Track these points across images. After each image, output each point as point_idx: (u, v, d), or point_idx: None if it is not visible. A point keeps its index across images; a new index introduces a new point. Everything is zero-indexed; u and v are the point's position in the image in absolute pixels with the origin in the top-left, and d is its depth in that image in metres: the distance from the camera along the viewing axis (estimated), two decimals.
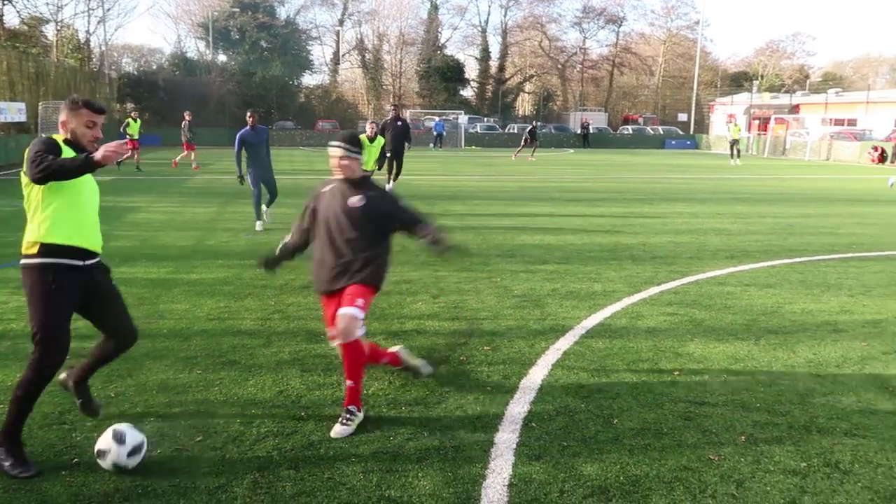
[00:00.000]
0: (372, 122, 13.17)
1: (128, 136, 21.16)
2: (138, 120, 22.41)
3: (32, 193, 3.33)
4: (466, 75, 61.28)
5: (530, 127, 33.85)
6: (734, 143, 30.33)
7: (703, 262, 8.56)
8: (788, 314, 6.27)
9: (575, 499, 3.15)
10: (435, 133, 41.15)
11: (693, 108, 54.73)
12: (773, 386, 4.55)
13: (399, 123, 15.28)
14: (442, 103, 53.52)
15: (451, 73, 57.03)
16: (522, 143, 32.17)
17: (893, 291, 7.19)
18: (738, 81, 64.27)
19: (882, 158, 33.60)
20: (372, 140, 12.69)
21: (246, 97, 46.02)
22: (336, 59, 59.64)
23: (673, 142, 47.86)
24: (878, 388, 4.57)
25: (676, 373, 4.74)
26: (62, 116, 3.44)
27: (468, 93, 62.84)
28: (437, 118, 44.65)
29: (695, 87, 54.12)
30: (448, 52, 61.19)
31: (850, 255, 9.30)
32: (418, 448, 3.59)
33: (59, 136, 3.42)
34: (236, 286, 6.91)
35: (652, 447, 3.66)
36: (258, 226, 10.57)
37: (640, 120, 57.67)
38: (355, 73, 61.43)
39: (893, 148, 33.58)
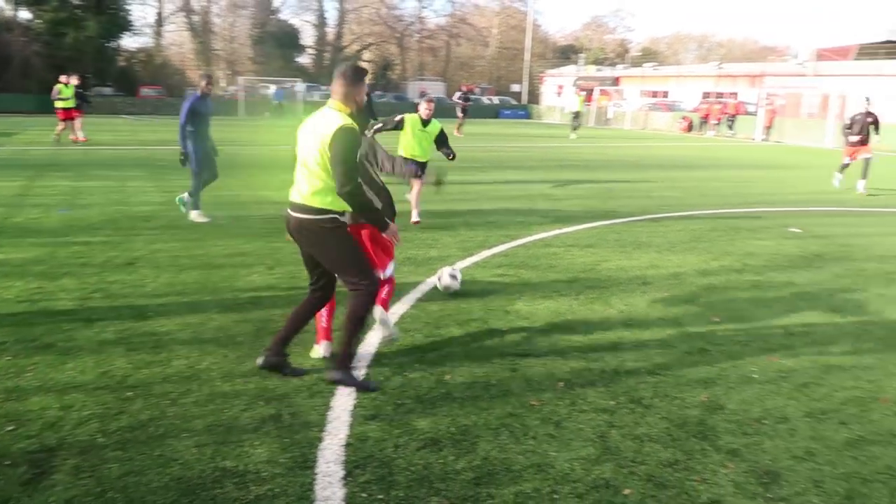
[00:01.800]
0: (430, 100, 8.88)
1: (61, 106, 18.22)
2: (70, 85, 18.40)
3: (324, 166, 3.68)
4: (303, 42, 59.61)
5: (462, 92, 28.80)
6: (577, 115, 28.69)
7: (531, 226, 9.06)
8: (605, 271, 6.85)
9: (408, 451, 3.31)
10: (275, 102, 39.73)
11: (526, 80, 56.98)
12: (588, 335, 4.98)
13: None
14: (278, 70, 51.72)
15: (287, 39, 55.26)
16: (461, 113, 27.42)
17: (693, 247, 8.05)
18: (567, 54, 67.62)
19: (690, 128, 36.98)
20: (426, 124, 8.74)
21: (56, 60, 41.68)
22: (160, 21, 55.61)
23: (507, 112, 49.60)
24: (677, 332, 5.14)
25: (504, 329, 5.05)
26: (348, 86, 3.73)
27: (305, 60, 61.23)
28: (273, 87, 43.10)
29: (527, 58, 56.26)
30: (283, 16, 59.11)
31: (659, 215, 10.24)
32: (254, 418, 3.59)
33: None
34: (50, 265, 6.40)
35: (481, 398, 3.90)
36: (196, 215, 8.61)
37: (478, 90, 59.20)
38: (182, 37, 57.75)
39: (699, 118, 37.03)
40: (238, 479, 3.03)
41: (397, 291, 5.84)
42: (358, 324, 3.91)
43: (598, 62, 64.30)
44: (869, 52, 45.44)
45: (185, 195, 8.65)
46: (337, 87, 3.77)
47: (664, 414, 3.81)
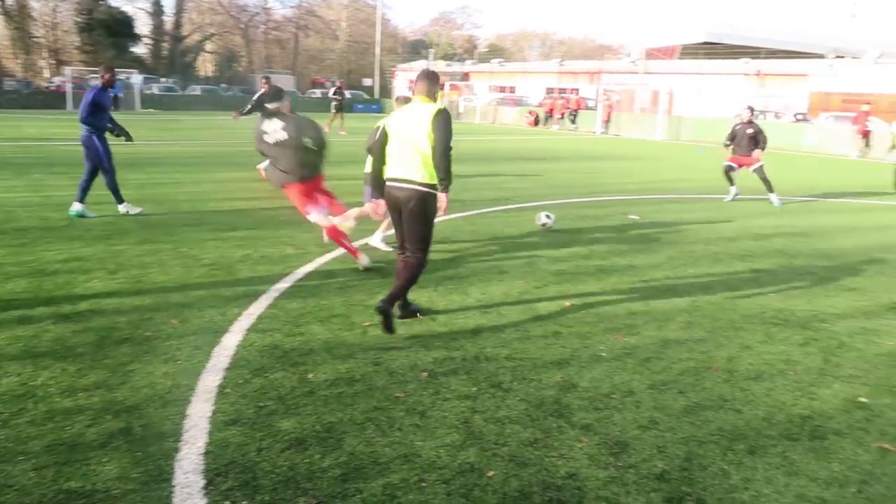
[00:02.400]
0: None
1: None
2: None
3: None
4: (137, 31, 55.89)
5: (335, 87, 26.91)
6: None
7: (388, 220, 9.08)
8: (462, 262, 7.01)
9: (272, 454, 3.22)
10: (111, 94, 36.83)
11: (377, 74, 56.94)
12: (449, 325, 5.09)
13: None
14: (110, 61, 48.13)
15: (119, 28, 51.54)
16: (334, 109, 25.70)
17: (544, 235, 8.43)
18: (417, 49, 68.31)
19: (536, 122, 38.64)
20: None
21: None
22: None
23: (360, 106, 49.34)
24: (532, 317, 5.37)
25: (367, 324, 5.04)
26: (431, 85, 5.01)
27: (141, 50, 57.50)
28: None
29: (378, 52, 56.22)
30: (114, 2, 55.05)
31: (511, 206, 10.63)
32: (101, 433, 3.34)
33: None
34: None
35: (345, 395, 3.88)
36: (124, 208, 8.72)
37: (328, 84, 58.35)
38: None
39: (545, 113, 38.79)
40: (85, 500, 2.81)
41: (254, 292, 5.67)
42: (413, 280, 5.04)
43: (447, 57, 65.53)
44: (690, 52, 49.68)
45: (78, 205, 8.44)
46: (422, 86, 5.00)
47: (523, 396, 3.97)
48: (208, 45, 64.63)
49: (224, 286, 5.82)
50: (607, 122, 34.37)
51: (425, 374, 4.20)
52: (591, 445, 3.44)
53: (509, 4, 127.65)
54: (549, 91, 48.09)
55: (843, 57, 39.07)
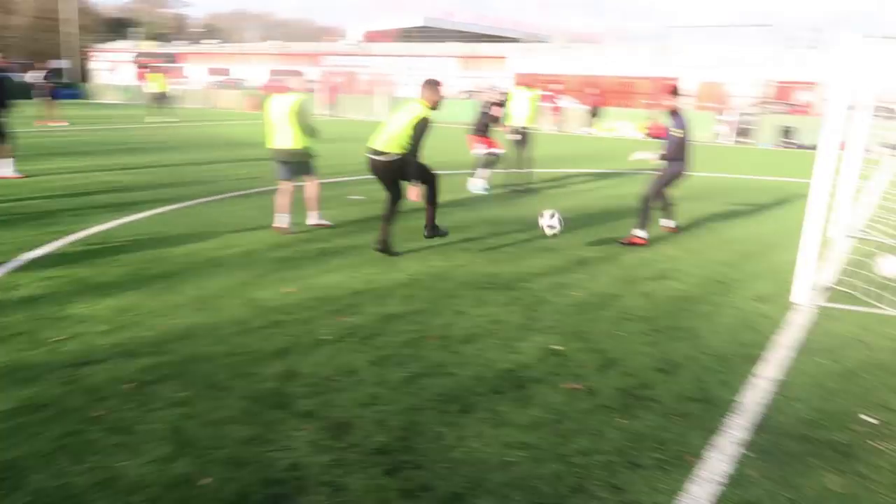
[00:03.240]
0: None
1: None
2: None
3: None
4: None
5: (48, 71, 22.97)
6: (160, 96, 25.52)
7: (87, 217, 8.14)
8: (174, 257, 6.51)
9: None
10: None
11: (78, 56, 50.76)
12: (158, 328, 4.68)
13: None
14: None
15: None
16: (51, 97, 21.83)
17: (265, 222, 8.09)
18: (118, 28, 62.20)
19: (258, 106, 37.36)
20: None
21: None
22: None
23: (64, 91, 43.51)
24: (251, 308, 5.15)
25: (57, 339, 4.43)
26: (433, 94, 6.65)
27: None
28: None
29: (73, 31, 50.06)
30: None
31: (229, 194, 10.15)
32: None
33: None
34: None
35: (28, 425, 3.36)
36: None
37: (14, 66, 50.63)
38: None
39: (261, 94, 37.63)
40: None
41: None
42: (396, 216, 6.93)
43: (155, 38, 60.63)
44: (407, 36, 51.79)
45: None
46: (425, 92, 6.64)
47: (242, 393, 3.79)
48: None
49: None
50: (332, 104, 34.48)
51: (133, 384, 3.82)
52: (312, 432, 3.40)
53: None
54: (275, 73, 46.85)
55: (540, 42, 43.55)
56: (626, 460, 3.24)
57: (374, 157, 6.64)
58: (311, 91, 33.30)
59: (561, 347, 4.61)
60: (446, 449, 3.29)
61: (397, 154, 6.52)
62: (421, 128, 6.45)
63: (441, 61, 42.60)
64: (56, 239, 7.03)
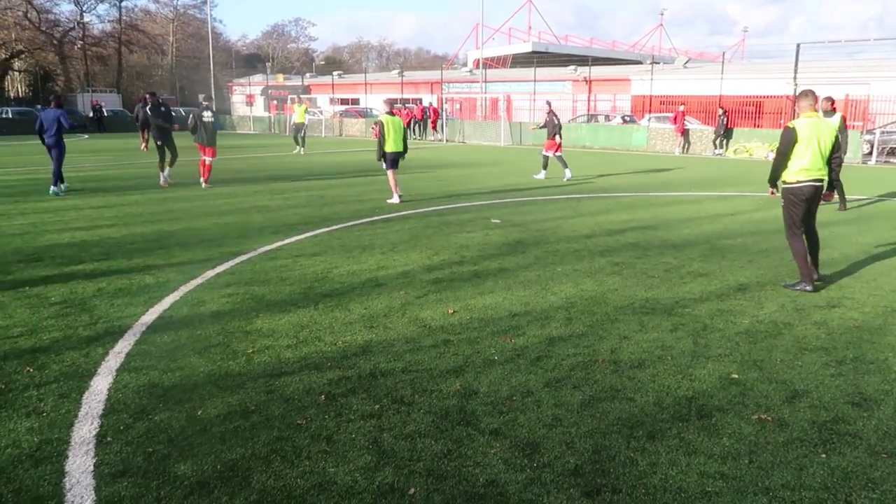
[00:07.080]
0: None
1: None
2: None
3: None
4: None
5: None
6: (300, 127, 25.79)
7: (250, 239, 8.72)
8: (337, 277, 6.85)
9: (174, 502, 2.95)
10: None
11: (213, 89, 54.60)
12: (337, 344, 4.93)
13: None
14: None
15: None
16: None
17: (414, 245, 8.44)
18: (252, 63, 66.37)
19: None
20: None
21: None
22: None
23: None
24: (419, 327, 5.33)
25: (250, 350, 4.77)
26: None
27: None
28: None
29: (211, 67, 53.97)
30: None
31: (374, 218, 10.55)
32: None
33: None
34: None
35: (242, 428, 3.63)
36: None
37: (174, 100, 55.20)
38: None
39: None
40: None
41: (117, 328, 5.20)
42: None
43: (284, 71, 64.18)
44: (520, 61, 52.13)
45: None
46: (803, 102, 6.55)
47: (427, 408, 3.92)
48: (17, 63, 58.97)
49: (81, 325, 5.28)
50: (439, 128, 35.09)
51: (323, 396, 4.04)
52: (503, 450, 3.46)
53: (340, 17, 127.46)
54: (393, 102, 48.43)
55: (658, 63, 42.65)
56: (837, 498, 3.09)
57: (816, 184, 6.56)
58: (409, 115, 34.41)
59: (738, 376, 4.46)
60: (641, 475, 3.26)
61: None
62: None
63: (558, 85, 42.55)
64: (228, 259, 7.56)
